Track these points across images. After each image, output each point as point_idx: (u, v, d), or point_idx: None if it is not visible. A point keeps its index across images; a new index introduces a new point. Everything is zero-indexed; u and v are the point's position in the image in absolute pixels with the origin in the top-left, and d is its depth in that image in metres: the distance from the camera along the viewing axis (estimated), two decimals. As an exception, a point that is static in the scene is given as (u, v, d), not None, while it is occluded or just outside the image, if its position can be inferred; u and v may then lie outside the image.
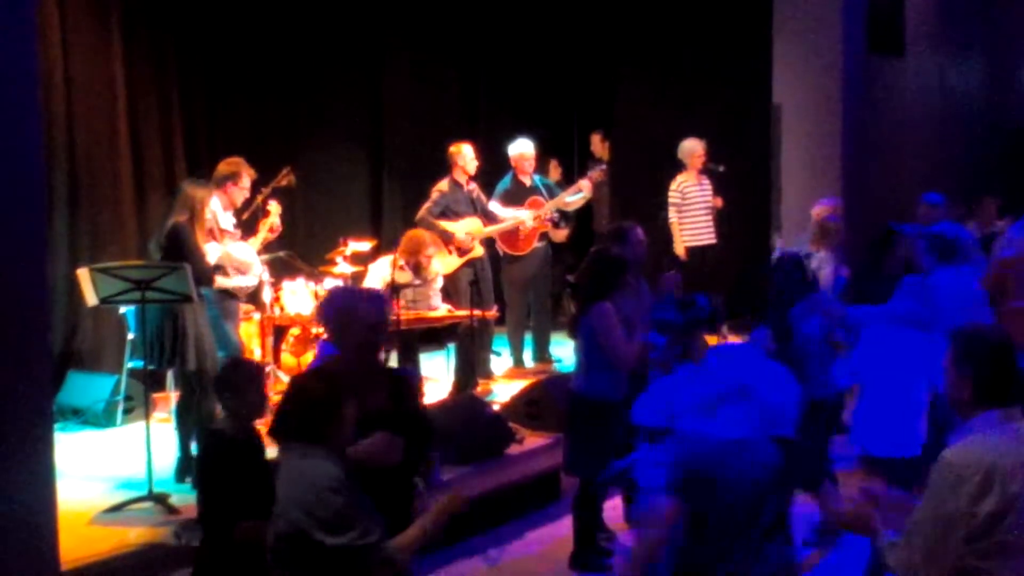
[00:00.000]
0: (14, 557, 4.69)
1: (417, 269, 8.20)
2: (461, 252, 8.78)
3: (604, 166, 9.94)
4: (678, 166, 9.61)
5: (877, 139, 10.97)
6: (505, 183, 9.21)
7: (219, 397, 4.45)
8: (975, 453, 3.13)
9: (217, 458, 4.19)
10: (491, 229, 8.94)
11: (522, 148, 9.17)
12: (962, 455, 3.15)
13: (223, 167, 7.29)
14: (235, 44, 9.11)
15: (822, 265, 7.61)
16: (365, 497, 3.53)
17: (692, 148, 9.57)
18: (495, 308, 8.90)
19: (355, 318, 4.22)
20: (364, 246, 8.47)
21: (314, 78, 9.77)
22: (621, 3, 11.40)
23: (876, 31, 10.80)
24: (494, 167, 9.49)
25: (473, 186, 8.90)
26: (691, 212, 9.55)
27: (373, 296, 4.50)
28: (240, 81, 9.22)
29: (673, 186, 9.55)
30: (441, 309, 8.37)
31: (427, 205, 8.75)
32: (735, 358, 3.91)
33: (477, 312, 8.27)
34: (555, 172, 11.30)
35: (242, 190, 7.30)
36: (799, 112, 10.41)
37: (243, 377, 4.30)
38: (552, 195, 9.19)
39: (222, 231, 7.00)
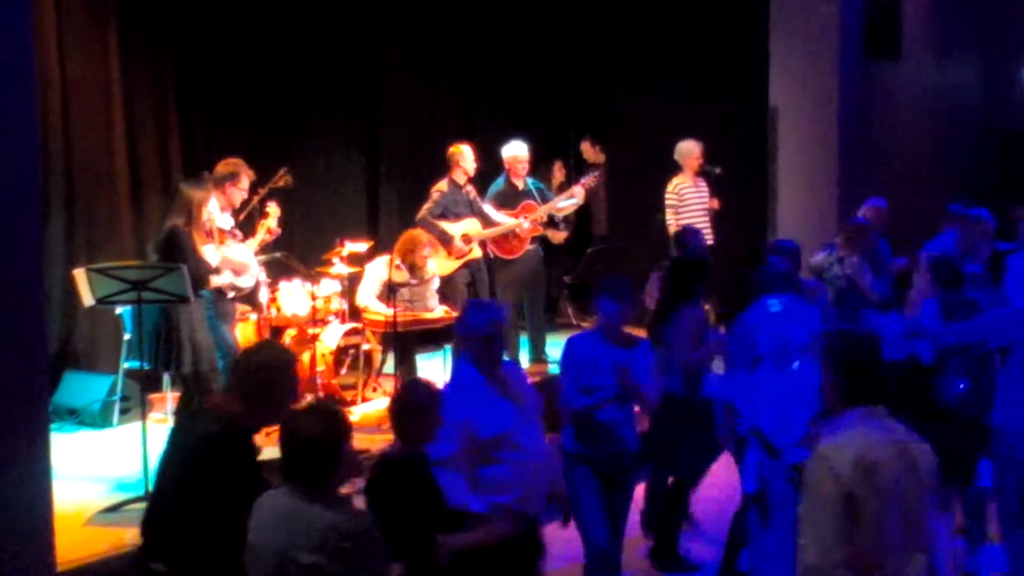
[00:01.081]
0: (11, 557, 4.70)
1: (412, 269, 8.21)
2: (457, 255, 8.79)
3: (598, 172, 9.94)
4: (675, 168, 9.62)
5: (874, 142, 10.98)
6: (498, 185, 9.21)
7: (396, 419, 4.18)
8: (844, 446, 3.40)
9: (391, 484, 4.04)
10: (490, 231, 8.95)
11: (515, 150, 9.17)
12: (832, 449, 3.41)
13: (222, 167, 7.28)
14: (232, 45, 9.11)
15: (856, 271, 7.56)
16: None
17: (689, 150, 9.56)
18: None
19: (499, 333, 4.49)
20: (361, 247, 8.48)
21: (311, 79, 9.77)
22: (618, 6, 11.41)
23: (873, 34, 10.81)
24: (490, 169, 9.49)
25: (470, 187, 8.91)
26: (688, 214, 9.54)
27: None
28: (237, 82, 9.21)
29: (670, 188, 9.55)
30: (438, 310, 8.38)
31: (427, 205, 8.75)
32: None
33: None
34: (559, 173, 11.32)
35: (241, 191, 7.29)
36: (796, 115, 10.41)
37: (425, 400, 4.13)
38: (544, 199, 9.20)
39: (222, 232, 6.98)
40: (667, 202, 9.54)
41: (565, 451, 5.30)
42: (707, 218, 9.64)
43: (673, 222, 9.56)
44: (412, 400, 4.12)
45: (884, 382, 3.52)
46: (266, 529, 3.43)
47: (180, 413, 4.18)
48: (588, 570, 5.25)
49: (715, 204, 9.66)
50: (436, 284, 8.50)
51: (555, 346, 9.76)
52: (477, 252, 8.92)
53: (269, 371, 3.90)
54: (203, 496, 3.75)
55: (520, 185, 9.16)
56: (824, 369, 3.58)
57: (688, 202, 9.55)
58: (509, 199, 9.10)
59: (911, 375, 5.78)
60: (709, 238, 9.65)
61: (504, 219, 8.99)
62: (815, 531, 3.39)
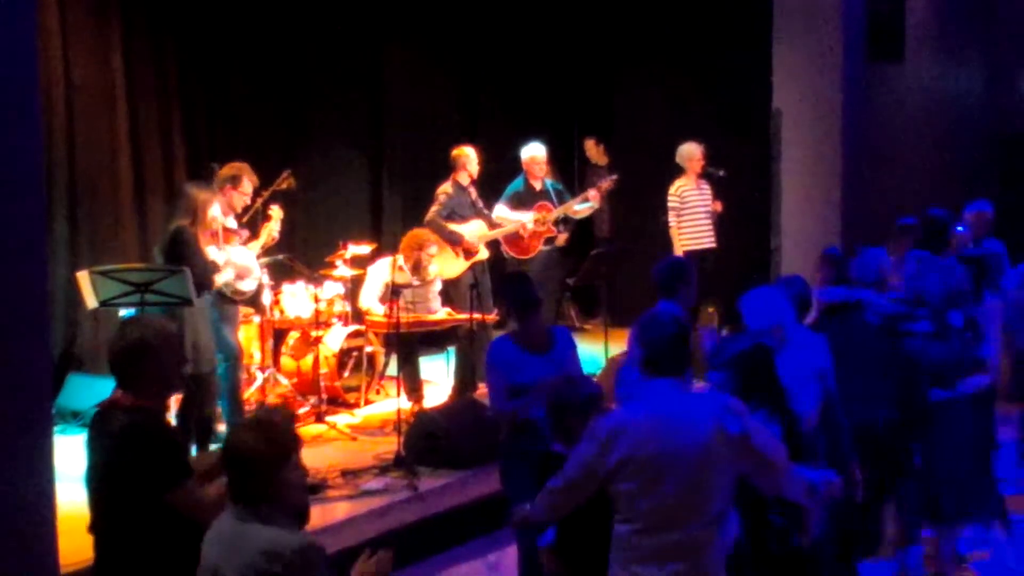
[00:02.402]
0: (14, 560, 4.70)
1: (416, 268, 8.21)
2: (468, 255, 8.79)
3: (614, 176, 9.91)
4: (678, 170, 9.62)
5: (877, 145, 10.97)
6: (516, 185, 9.22)
7: (556, 420, 4.20)
8: (613, 416, 3.75)
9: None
10: (495, 232, 8.96)
11: (533, 152, 9.19)
12: (605, 418, 3.75)
13: (225, 170, 7.27)
14: (235, 47, 9.13)
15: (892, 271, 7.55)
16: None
17: (691, 152, 9.57)
18: (495, 311, 8.91)
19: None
20: (364, 249, 8.47)
21: (314, 82, 9.78)
22: (621, 8, 11.42)
23: (876, 37, 10.81)
24: (493, 172, 9.50)
25: (472, 189, 8.92)
26: (690, 216, 9.54)
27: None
28: (240, 84, 9.23)
29: (672, 190, 9.55)
30: (441, 312, 8.38)
31: (435, 208, 8.76)
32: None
33: (477, 315, 8.27)
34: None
35: (243, 195, 7.28)
36: (799, 117, 10.39)
37: (583, 400, 4.15)
38: (561, 201, 9.21)
39: (227, 232, 6.97)
40: (669, 204, 9.54)
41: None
42: (709, 221, 9.64)
43: (675, 224, 9.56)
44: (570, 399, 4.16)
45: (679, 356, 3.71)
46: (208, 548, 3.27)
47: (88, 426, 4.16)
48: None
49: (718, 207, 9.66)
50: (438, 286, 8.51)
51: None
52: (483, 254, 8.93)
53: (132, 351, 3.86)
54: (129, 487, 3.78)
55: (538, 186, 9.19)
56: (636, 342, 3.83)
57: (690, 204, 9.55)
58: (526, 200, 9.12)
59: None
60: (712, 241, 9.67)
61: (512, 218, 9.01)
62: (560, 481, 3.75)
